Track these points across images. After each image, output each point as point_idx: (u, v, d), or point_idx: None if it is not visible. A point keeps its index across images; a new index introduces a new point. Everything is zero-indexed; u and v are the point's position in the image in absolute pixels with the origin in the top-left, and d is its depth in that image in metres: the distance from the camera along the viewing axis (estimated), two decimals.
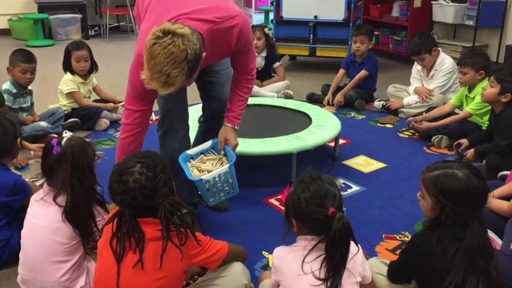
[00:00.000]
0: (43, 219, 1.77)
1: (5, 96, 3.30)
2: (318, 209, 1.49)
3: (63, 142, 1.77)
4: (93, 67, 3.89)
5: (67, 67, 3.80)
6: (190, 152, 2.32)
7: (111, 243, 1.52)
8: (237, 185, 2.26)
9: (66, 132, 1.84)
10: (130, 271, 1.52)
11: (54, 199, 1.76)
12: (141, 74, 1.80)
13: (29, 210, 1.84)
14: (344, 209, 1.54)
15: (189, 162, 2.31)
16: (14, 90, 3.36)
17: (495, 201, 2.18)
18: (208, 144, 2.38)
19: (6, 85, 3.36)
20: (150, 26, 1.91)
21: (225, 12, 2.01)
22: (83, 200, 1.75)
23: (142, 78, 1.78)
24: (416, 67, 4.09)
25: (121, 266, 1.52)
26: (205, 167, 2.29)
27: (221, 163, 2.32)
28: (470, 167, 1.66)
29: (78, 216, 1.74)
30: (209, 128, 2.51)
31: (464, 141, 3.21)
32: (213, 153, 2.40)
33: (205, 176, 2.16)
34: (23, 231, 1.83)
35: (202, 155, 2.37)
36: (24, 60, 3.36)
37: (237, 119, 2.32)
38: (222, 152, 2.35)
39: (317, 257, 1.49)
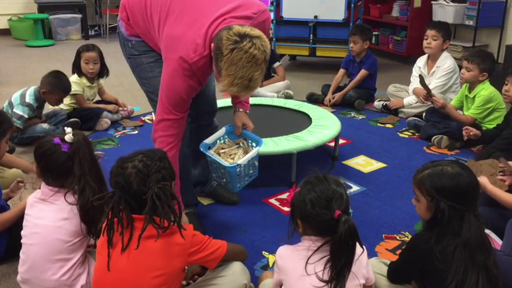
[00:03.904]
0: (45, 219, 1.76)
1: (26, 109, 3.34)
2: (323, 211, 1.49)
3: (69, 138, 1.76)
4: (104, 71, 3.90)
5: (76, 68, 3.81)
6: (207, 141, 2.30)
7: (104, 231, 1.55)
8: (258, 168, 2.28)
9: (67, 128, 1.81)
10: (130, 269, 1.53)
11: (65, 197, 1.75)
12: (189, 80, 1.86)
13: (28, 211, 1.82)
14: (350, 210, 1.53)
15: (207, 151, 2.28)
16: (36, 105, 3.40)
17: (503, 194, 2.16)
18: (222, 131, 2.36)
19: (30, 98, 3.37)
20: (185, 30, 1.89)
21: (257, 7, 2.00)
22: (100, 191, 1.75)
23: (221, 88, 1.79)
24: (418, 64, 4.08)
25: (118, 262, 1.53)
26: (228, 154, 2.29)
27: (238, 147, 2.33)
28: (458, 162, 1.69)
29: (97, 211, 1.71)
30: (198, 127, 2.47)
31: (476, 131, 3.27)
32: (228, 140, 2.39)
33: (242, 161, 2.16)
34: (23, 232, 1.81)
35: (218, 143, 2.36)
36: (66, 91, 3.45)
37: (247, 103, 2.35)
38: (241, 139, 2.35)
39: (321, 258, 1.49)
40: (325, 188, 1.52)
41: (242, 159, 2.18)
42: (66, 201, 1.75)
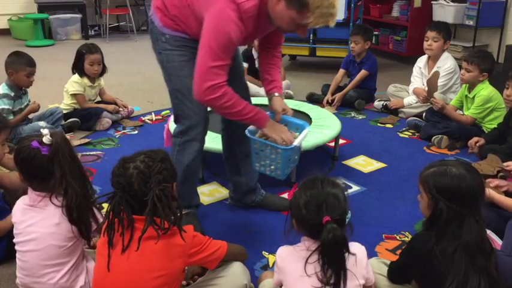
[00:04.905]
0: (37, 226, 1.73)
1: (5, 100, 3.29)
2: (313, 216, 1.48)
3: (46, 139, 1.71)
4: (104, 70, 3.90)
5: (77, 69, 3.80)
6: (251, 128, 2.23)
7: (105, 231, 1.54)
8: (299, 153, 2.27)
9: (43, 130, 1.75)
10: (130, 270, 1.52)
11: (51, 199, 1.72)
12: (238, 21, 1.87)
13: (17, 218, 1.77)
14: (348, 216, 1.51)
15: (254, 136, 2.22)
16: (12, 94, 3.34)
17: (502, 197, 2.18)
18: None
19: (3, 89, 3.32)
20: None
21: None
22: (84, 193, 1.73)
23: (306, 23, 1.84)
24: (418, 64, 4.08)
25: (118, 262, 1.52)
26: (271, 141, 2.21)
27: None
28: (465, 164, 1.66)
29: (82, 212, 1.71)
30: (236, 128, 2.39)
31: (481, 140, 3.22)
32: None
33: (297, 142, 2.13)
34: (15, 240, 1.78)
35: (260, 131, 2.26)
36: (29, 63, 3.36)
37: (281, 88, 2.34)
38: (282, 124, 2.28)
39: (320, 259, 1.49)
40: (318, 192, 1.50)
41: (296, 141, 2.14)
42: (53, 204, 1.72)
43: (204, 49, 1.95)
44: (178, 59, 2.16)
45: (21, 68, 3.32)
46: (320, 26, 1.89)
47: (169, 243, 1.54)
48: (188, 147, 2.24)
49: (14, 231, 1.78)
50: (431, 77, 3.58)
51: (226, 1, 1.89)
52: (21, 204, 1.79)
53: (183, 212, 2.24)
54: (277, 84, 2.30)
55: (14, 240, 1.78)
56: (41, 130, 1.75)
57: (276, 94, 2.29)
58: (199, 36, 2.05)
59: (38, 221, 1.73)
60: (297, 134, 2.26)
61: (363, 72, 4.32)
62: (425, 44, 3.92)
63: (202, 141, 2.29)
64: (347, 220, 1.50)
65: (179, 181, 2.25)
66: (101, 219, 1.77)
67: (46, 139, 1.71)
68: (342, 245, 1.44)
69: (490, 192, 2.14)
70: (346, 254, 1.47)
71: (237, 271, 1.78)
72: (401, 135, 3.74)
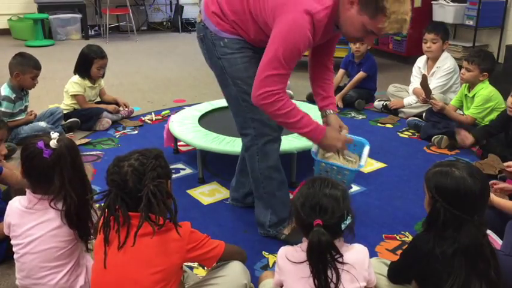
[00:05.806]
0: (37, 228, 1.71)
1: (5, 103, 3.30)
2: (307, 217, 1.48)
3: (52, 143, 1.70)
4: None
5: (81, 71, 3.79)
6: (314, 149, 2.23)
7: (101, 229, 1.55)
8: None
9: (53, 133, 1.73)
10: (128, 266, 1.53)
11: (50, 204, 1.70)
12: (308, 33, 1.86)
13: (15, 221, 1.75)
14: (347, 221, 1.49)
15: (320, 158, 2.23)
16: (14, 95, 3.34)
17: (502, 201, 2.18)
18: None
19: (5, 91, 3.32)
20: None
21: None
22: (83, 200, 1.72)
23: (380, 27, 1.82)
24: (418, 64, 4.08)
25: (116, 259, 1.52)
26: (328, 158, 2.24)
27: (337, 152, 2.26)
28: (471, 168, 1.63)
29: (81, 217, 1.71)
30: (265, 143, 2.29)
31: (469, 137, 3.22)
32: None
33: (363, 162, 2.19)
34: (13, 242, 1.76)
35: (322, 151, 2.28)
36: (36, 66, 3.38)
37: (334, 104, 2.33)
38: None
39: None
40: (314, 193, 1.49)
41: (362, 160, 2.19)
42: (52, 208, 1.70)
43: (268, 56, 1.93)
44: (241, 61, 2.12)
45: (29, 70, 3.34)
46: (391, 33, 1.88)
47: (165, 238, 1.54)
48: (270, 148, 2.20)
49: (12, 233, 1.77)
50: (422, 82, 3.58)
51: (301, 12, 1.86)
52: (18, 206, 1.76)
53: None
54: (332, 101, 2.28)
55: (12, 242, 1.77)
56: (51, 133, 1.74)
57: (332, 111, 2.27)
58: (256, 41, 2.06)
59: (38, 223, 1.72)
60: (355, 154, 2.27)
61: (360, 74, 4.33)
62: (425, 47, 3.92)
63: (280, 138, 2.25)
64: (344, 226, 1.48)
65: (276, 188, 2.23)
66: None
67: (52, 143, 1.70)
68: (326, 251, 1.43)
69: (490, 196, 2.14)
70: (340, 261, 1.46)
71: (237, 271, 1.78)
72: (401, 135, 3.74)
